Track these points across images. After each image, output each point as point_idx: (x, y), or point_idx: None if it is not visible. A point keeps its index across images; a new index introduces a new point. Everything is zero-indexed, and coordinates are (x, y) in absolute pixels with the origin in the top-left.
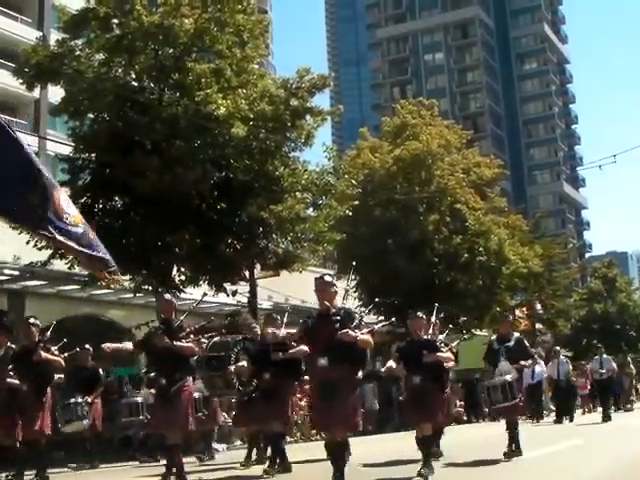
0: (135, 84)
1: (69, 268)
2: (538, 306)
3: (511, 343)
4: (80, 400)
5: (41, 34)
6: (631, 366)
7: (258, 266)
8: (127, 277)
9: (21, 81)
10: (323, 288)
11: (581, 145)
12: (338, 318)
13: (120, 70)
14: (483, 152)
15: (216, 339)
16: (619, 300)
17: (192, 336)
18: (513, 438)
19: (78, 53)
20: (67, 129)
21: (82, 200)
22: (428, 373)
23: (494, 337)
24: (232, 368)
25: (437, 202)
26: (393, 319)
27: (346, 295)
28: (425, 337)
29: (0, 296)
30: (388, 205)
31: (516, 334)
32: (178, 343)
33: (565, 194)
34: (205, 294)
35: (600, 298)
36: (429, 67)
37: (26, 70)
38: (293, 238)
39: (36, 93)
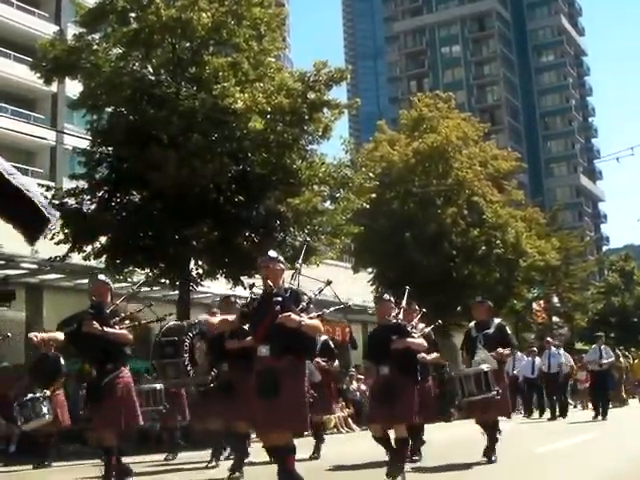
0: (152, 78)
1: (85, 259)
2: (555, 299)
3: (490, 330)
4: (38, 395)
5: (58, 28)
6: (621, 359)
7: None
8: (145, 270)
9: (39, 75)
10: (266, 265)
11: (598, 138)
12: (279, 299)
13: (137, 64)
14: (500, 145)
15: (171, 323)
16: (636, 293)
17: (127, 322)
18: (492, 438)
19: (95, 47)
20: (85, 123)
21: (100, 194)
22: (398, 362)
23: (472, 323)
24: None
25: (455, 195)
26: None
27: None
28: (394, 321)
29: (18, 289)
30: (406, 198)
31: (496, 320)
32: (109, 329)
33: (582, 187)
34: (144, 281)
35: (617, 291)
36: (446, 60)
37: (43, 64)
38: (310, 231)
39: (54, 87)
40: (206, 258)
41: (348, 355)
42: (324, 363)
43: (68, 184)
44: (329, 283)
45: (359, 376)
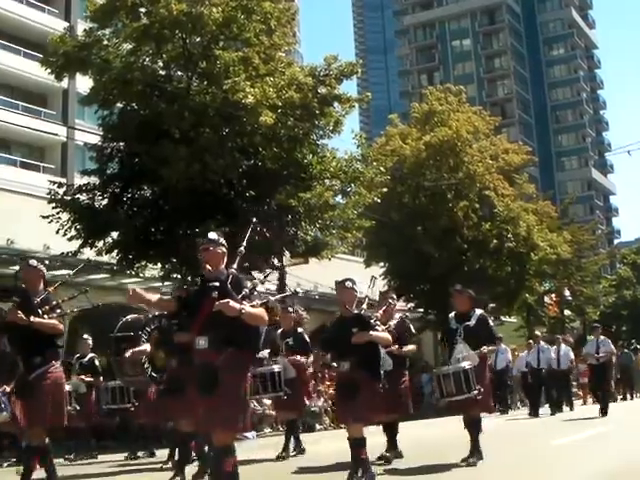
0: (163, 73)
1: (97, 255)
2: (567, 292)
3: (471, 322)
4: None
5: (68, 24)
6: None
7: (287, 253)
8: (157, 265)
9: (49, 71)
10: (206, 247)
11: (609, 131)
12: (216, 284)
13: (148, 59)
14: (511, 138)
15: (129, 317)
16: None
17: (59, 310)
18: (473, 439)
19: (106, 42)
20: (96, 119)
21: (111, 189)
22: (359, 358)
23: (452, 314)
24: (128, 353)
25: (466, 189)
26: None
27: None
28: (356, 311)
29: None
30: (417, 192)
31: (478, 311)
32: (36, 319)
33: (593, 180)
34: (82, 266)
35: (629, 284)
36: (456, 54)
37: (54, 60)
38: (322, 225)
39: (64, 83)
40: None
41: None
42: (300, 358)
43: (79, 180)
44: (296, 293)
45: None
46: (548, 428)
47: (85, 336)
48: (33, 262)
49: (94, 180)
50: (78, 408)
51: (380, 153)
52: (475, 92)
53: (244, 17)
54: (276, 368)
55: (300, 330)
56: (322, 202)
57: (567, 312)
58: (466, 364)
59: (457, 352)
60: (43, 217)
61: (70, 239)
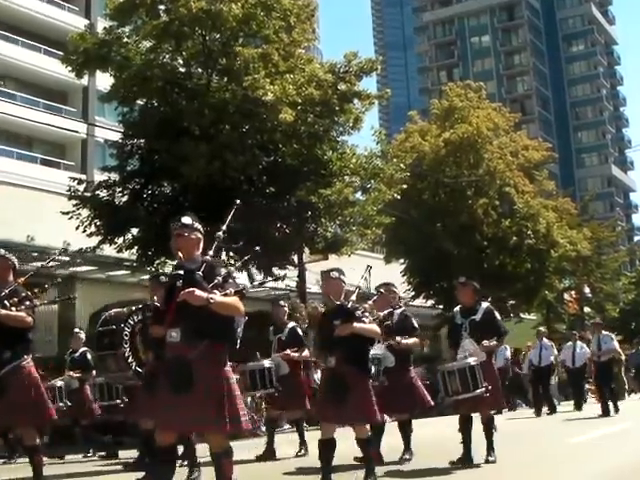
0: (183, 70)
1: (118, 252)
2: (587, 290)
3: (477, 316)
4: None
5: (89, 22)
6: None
7: (307, 250)
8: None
9: (70, 69)
10: (179, 233)
11: (629, 127)
12: (180, 272)
13: (168, 56)
14: (530, 135)
15: (112, 311)
16: None
17: (27, 302)
18: (488, 436)
19: (126, 40)
20: (116, 116)
21: (131, 186)
22: (344, 352)
23: (457, 308)
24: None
25: (486, 185)
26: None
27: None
28: (338, 302)
29: (50, 282)
30: (437, 189)
31: (484, 304)
32: (2, 311)
33: (613, 177)
34: (63, 251)
35: None
36: (476, 50)
37: (74, 58)
38: (342, 222)
39: (85, 80)
40: (237, 249)
41: None
42: (294, 353)
43: (99, 177)
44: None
45: None
46: (564, 426)
47: (77, 330)
48: (1, 251)
49: (114, 177)
50: (69, 404)
51: (400, 150)
52: (494, 89)
53: (263, 14)
54: (266, 364)
55: (292, 324)
56: (342, 199)
57: (587, 309)
58: (472, 360)
59: (464, 348)
60: (63, 213)
61: (90, 235)
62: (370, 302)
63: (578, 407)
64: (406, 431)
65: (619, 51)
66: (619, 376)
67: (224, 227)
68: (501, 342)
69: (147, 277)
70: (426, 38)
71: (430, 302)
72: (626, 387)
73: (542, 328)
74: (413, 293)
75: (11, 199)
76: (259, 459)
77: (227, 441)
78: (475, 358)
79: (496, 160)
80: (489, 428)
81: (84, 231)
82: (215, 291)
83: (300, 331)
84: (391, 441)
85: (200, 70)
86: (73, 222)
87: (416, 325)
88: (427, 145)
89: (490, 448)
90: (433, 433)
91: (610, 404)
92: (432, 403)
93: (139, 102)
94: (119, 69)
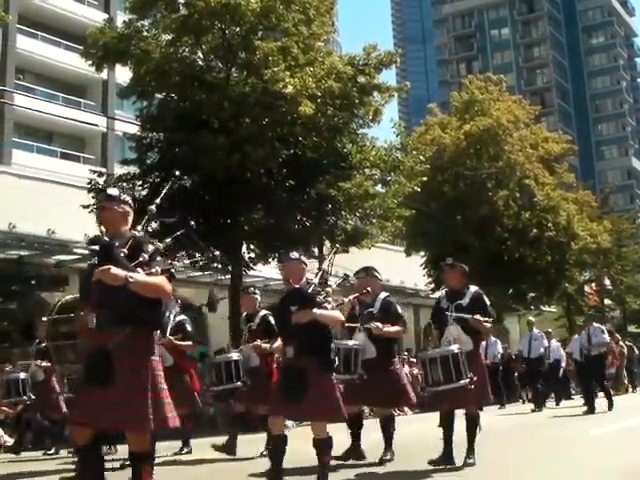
0: (202, 64)
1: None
2: (607, 282)
3: (464, 301)
4: None
5: (108, 16)
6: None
7: (327, 243)
8: (197, 255)
9: (89, 63)
10: (103, 205)
11: None
12: (95, 248)
13: (187, 50)
14: (550, 127)
15: (68, 297)
16: None
17: None
18: (470, 435)
19: (145, 34)
20: (135, 109)
21: (151, 179)
22: (303, 342)
23: (443, 292)
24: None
25: (506, 178)
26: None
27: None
28: (297, 286)
29: (72, 275)
30: (457, 181)
31: (473, 288)
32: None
33: (633, 169)
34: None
35: None
36: (495, 42)
37: (94, 52)
38: (362, 215)
39: (104, 74)
40: (258, 242)
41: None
42: (265, 344)
43: (119, 170)
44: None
45: (411, 359)
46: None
47: (45, 319)
48: None
49: (134, 170)
50: (33, 397)
51: (420, 142)
52: (514, 81)
53: (283, 7)
54: (234, 356)
55: (264, 313)
56: (362, 191)
57: (607, 301)
58: (456, 347)
59: (447, 335)
60: (84, 207)
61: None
62: (334, 285)
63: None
64: (388, 429)
65: (639, 43)
66: (619, 371)
67: (157, 200)
68: (491, 329)
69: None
70: (445, 31)
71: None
72: (625, 382)
73: (532, 318)
74: (433, 285)
75: (31, 193)
76: (217, 449)
77: (148, 442)
78: (459, 346)
79: (516, 152)
80: (472, 426)
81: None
82: (139, 269)
83: (273, 320)
84: (376, 437)
85: (219, 64)
86: (93, 215)
87: (401, 312)
88: (447, 138)
89: (471, 449)
90: (419, 430)
91: (600, 401)
92: (414, 401)
93: (158, 95)
94: (138, 63)
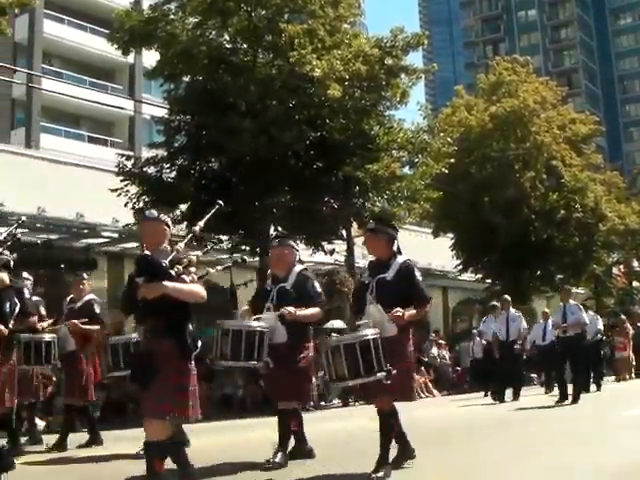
0: (229, 46)
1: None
2: (635, 263)
3: (389, 274)
4: None
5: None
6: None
7: (355, 225)
8: (224, 237)
9: (116, 46)
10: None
11: None
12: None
13: (214, 33)
14: (577, 109)
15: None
16: None
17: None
18: (385, 437)
19: (172, 17)
20: (162, 92)
21: (179, 162)
22: (156, 321)
23: (367, 263)
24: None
25: (533, 159)
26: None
27: None
28: (147, 252)
29: (100, 258)
30: (484, 163)
31: (400, 259)
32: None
33: None
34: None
35: None
36: (522, 24)
37: (120, 35)
38: (389, 196)
39: (131, 58)
40: (286, 224)
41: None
42: (84, 326)
43: (147, 153)
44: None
45: (440, 341)
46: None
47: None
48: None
49: (161, 153)
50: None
51: (446, 124)
52: (541, 63)
53: None
54: (46, 337)
55: (90, 297)
56: (389, 173)
57: (635, 283)
58: (370, 332)
59: (366, 316)
60: (112, 190)
61: (138, 212)
62: (200, 253)
63: (597, 387)
64: (285, 425)
65: None
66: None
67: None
68: (420, 313)
69: (195, 253)
70: (472, 12)
71: (478, 276)
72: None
73: (506, 296)
74: (461, 267)
75: (60, 177)
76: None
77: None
78: (376, 330)
79: (543, 134)
80: (387, 425)
81: (133, 208)
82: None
83: (97, 306)
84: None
85: (246, 46)
86: (122, 199)
87: (319, 289)
88: (473, 119)
89: (385, 458)
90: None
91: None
92: (311, 402)
93: (185, 78)
94: (165, 46)
